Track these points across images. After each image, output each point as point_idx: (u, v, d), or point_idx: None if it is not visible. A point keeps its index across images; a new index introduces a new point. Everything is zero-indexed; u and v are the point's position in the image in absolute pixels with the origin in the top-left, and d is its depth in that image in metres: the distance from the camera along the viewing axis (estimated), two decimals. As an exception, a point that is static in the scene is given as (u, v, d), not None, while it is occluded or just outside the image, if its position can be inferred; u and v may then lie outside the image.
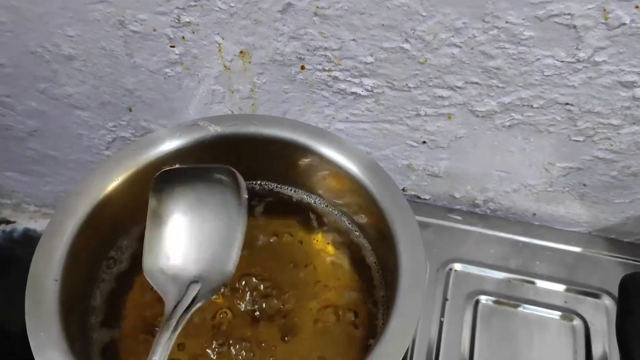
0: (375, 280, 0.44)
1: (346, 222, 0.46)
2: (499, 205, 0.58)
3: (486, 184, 0.56)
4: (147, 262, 0.37)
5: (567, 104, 0.46)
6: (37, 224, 0.81)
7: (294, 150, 0.44)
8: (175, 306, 0.34)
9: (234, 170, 0.38)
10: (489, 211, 0.59)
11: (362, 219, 0.44)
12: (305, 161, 0.44)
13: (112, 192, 0.41)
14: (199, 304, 0.35)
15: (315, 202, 0.47)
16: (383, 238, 0.40)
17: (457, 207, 0.59)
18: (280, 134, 0.44)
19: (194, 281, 0.36)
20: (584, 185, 0.53)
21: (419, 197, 0.60)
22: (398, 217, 0.39)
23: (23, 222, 0.81)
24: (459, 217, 0.58)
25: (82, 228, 0.39)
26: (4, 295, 0.64)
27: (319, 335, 0.41)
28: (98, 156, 0.66)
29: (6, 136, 0.66)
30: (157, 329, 0.39)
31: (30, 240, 0.80)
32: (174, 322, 0.33)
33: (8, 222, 0.81)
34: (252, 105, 0.54)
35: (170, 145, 0.43)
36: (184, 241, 0.38)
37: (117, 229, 0.43)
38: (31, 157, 0.69)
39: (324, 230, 0.46)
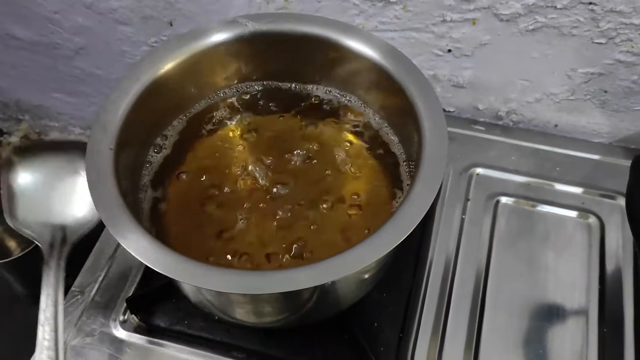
0: (403, 175, 0.46)
1: (377, 119, 0.49)
2: (521, 116, 0.60)
3: (509, 94, 0.58)
4: (19, 216, 0.49)
5: (590, 3, 0.47)
6: (82, 146, 0.86)
7: (328, 46, 0.46)
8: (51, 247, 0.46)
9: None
10: (511, 123, 0.61)
11: (392, 112, 0.47)
12: (338, 57, 0.47)
13: (159, 78, 0.44)
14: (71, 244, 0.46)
15: (350, 102, 0.50)
16: (409, 125, 0.43)
17: (481, 119, 0.62)
18: (314, 31, 0.46)
19: (61, 227, 0.47)
20: (605, 92, 0.54)
21: (443, 110, 0.62)
22: (422, 99, 0.42)
23: (69, 144, 0.86)
24: (483, 128, 0.60)
25: (133, 107, 0.42)
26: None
27: (347, 214, 0.44)
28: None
29: (54, 55, 0.70)
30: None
31: (75, 160, 0.85)
32: (53, 262, 0.44)
33: (55, 143, 0.86)
34: (286, 15, 0.57)
35: (212, 39, 0.46)
36: (44, 199, 0.50)
37: (163, 117, 0.47)
38: (77, 77, 0.73)
39: (357, 128, 0.49)
